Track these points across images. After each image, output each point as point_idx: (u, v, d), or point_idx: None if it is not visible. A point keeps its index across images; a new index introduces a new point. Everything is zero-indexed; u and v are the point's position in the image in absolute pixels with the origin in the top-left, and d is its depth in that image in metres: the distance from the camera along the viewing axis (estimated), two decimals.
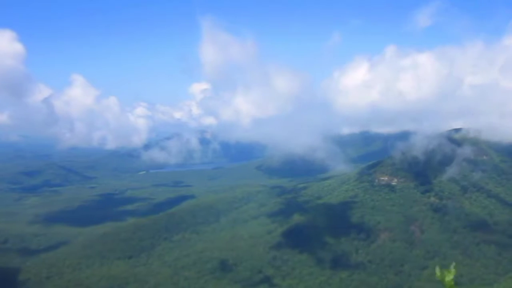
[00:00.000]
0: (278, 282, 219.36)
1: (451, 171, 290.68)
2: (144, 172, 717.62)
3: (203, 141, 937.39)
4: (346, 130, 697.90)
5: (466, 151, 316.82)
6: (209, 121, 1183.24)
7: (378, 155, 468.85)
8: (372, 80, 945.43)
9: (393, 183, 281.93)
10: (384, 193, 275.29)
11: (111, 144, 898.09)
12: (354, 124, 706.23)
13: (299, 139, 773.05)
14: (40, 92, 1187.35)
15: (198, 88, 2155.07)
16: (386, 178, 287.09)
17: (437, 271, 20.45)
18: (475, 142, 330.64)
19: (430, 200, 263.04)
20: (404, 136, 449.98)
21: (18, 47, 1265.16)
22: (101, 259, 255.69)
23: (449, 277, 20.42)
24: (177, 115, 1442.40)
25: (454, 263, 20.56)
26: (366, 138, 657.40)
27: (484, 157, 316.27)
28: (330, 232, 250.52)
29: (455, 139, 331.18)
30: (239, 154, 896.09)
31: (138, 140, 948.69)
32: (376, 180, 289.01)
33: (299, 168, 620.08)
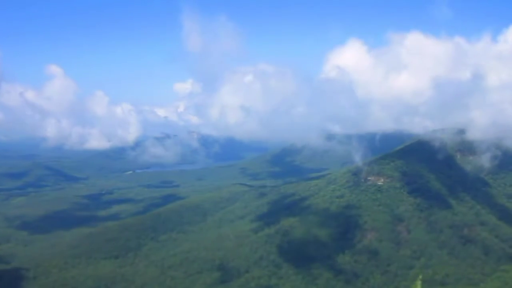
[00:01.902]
0: (264, 282, 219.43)
1: (438, 170, 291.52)
2: (130, 172, 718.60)
3: (190, 141, 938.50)
4: (333, 129, 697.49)
5: (452, 150, 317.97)
6: (196, 120, 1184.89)
7: (365, 155, 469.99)
8: (360, 77, 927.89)
9: (380, 183, 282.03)
10: (371, 193, 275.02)
11: (97, 144, 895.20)
12: (342, 123, 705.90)
13: (286, 138, 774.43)
14: (19, 91, 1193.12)
15: (181, 87, 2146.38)
16: (372, 178, 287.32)
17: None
18: (462, 142, 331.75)
19: (416, 200, 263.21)
20: (390, 136, 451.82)
21: None
22: (88, 259, 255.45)
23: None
24: (163, 114, 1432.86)
25: (420, 276, 20.56)
26: (353, 137, 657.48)
27: (471, 157, 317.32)
28: (316, 231, 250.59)
29: (441, 138, 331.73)
30: (226, 153, 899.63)
31: (124, 139, 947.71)
32: (363, 180, 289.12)
33: (286, 168, 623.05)
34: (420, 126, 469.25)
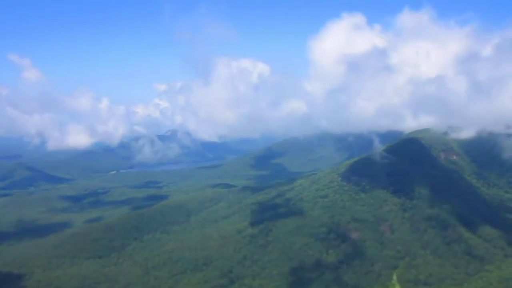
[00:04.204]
0: (248, 282, 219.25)
1: (421, 170, 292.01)
2: (114, 172, 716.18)
3: (174, 141, 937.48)
4: (317, 131, 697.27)
5: (436, 151, 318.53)
6: (180, 119, 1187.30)
7: (349, 155, 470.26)
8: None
9: (363, 183, 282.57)
10: (354, 193, 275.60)
11: (81, 142, 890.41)
12: (326, 124, 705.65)
13: (270, 138, 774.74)
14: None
15: (163, 86, 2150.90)
16: (356, 178, 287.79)
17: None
18: (446, 142, 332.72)
19: (400, 200, 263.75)
20: (375, 136, 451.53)
21: None
22: (72, 259, 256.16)
23: None
24: (144, 112, 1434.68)
25: (394, 277, 20.35)
26: (337, 137, 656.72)
27: (454, 157, 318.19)
28: (300, 232, 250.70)
29: (425, 138, 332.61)
30: (211, 153, 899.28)
31: (107, 139, 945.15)
32: (347, 180, 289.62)
33: (270, 168, 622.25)
34: (407, 124, 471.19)
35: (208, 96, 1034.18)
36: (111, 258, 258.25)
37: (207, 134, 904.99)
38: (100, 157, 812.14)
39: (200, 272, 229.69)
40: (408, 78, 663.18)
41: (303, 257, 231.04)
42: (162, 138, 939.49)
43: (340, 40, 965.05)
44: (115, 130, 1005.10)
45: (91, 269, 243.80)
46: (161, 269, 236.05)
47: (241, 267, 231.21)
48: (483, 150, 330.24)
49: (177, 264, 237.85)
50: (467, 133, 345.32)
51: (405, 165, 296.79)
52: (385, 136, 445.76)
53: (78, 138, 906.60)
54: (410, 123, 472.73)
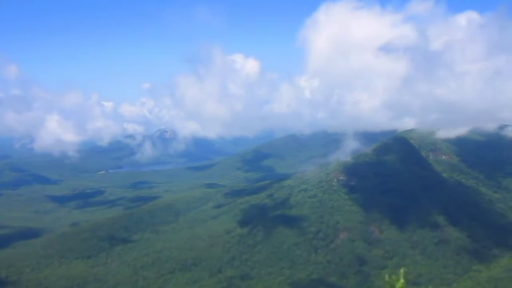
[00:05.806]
0: (237, 282, 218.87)
1: (410, 170, 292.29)
2: (103, 172, 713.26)
3: (164, 140, 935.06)
4: (306, 130, 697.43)
5: (425, 150, 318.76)
6: (169, 119, 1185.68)
7: (338, 154, 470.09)
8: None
9: (352, 183, 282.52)
10: (343, 193, 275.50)
11: (71, 142, 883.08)
12: (320, 122, 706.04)
13: (263, 137, 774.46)
14: None
15: (151, 85, 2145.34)
16: (345, 178, 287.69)
17: (386, 278, 20.06)
18: (434, 141, 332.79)
19: (389, 200, 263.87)
20: (363, 136, 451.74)
21: None
22: (60, 259, 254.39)
23: (399, 285, 20.02)
24: (133, 111, 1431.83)
25: (403, 269, 20.12)
26: (326, 137, 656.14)
27: (443, 157, 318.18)
28: (289, 231, 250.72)
29: (414, 138, 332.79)
30: (200, 153, 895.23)
31: (96, 139, 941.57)
32: (335, 180, 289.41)
33: (261, 168, 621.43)
34: (392, 127, 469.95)
35: (198, 95, 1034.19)
36: (100, 258, 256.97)
37: (197, 133, 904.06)
38: (89, 156, 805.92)
39: (188, 272, 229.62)
40: (407, 73, 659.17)
41: (292, 257, 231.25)
42: (151, 137, 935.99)
43: (335, 29, 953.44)
44: (104, 129, 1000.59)
45: (80, 269, 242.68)
46: (150, 269, 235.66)
47: (230, 267, 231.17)
48: (472, 150, 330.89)
49: (166, 264, 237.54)
50: (456, 132, 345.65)
51: (394, 165, 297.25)
52: (381, 135, 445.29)
53: (67, 137, 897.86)
54: (406, 121, 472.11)
